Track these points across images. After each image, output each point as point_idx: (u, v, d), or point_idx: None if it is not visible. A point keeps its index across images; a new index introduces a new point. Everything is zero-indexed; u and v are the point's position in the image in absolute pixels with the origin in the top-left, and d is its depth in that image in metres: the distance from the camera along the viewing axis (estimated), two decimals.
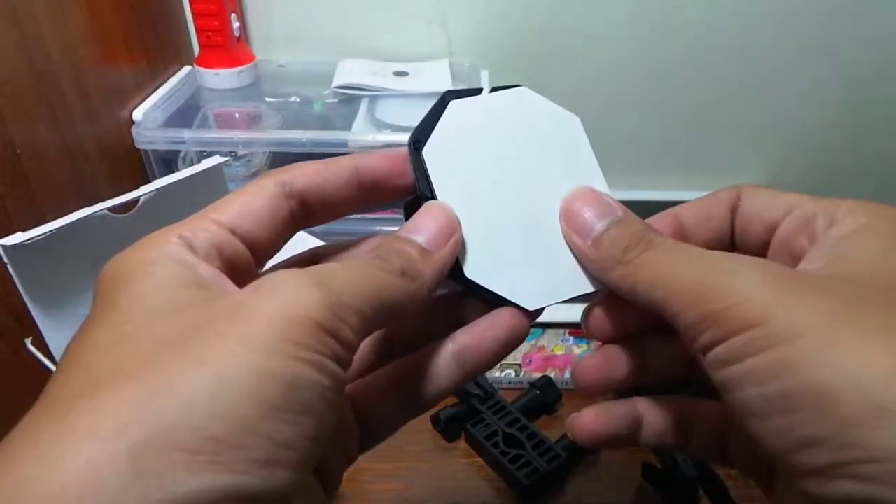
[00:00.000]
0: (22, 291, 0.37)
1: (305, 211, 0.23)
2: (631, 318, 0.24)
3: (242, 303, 0.17)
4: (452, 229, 0.22)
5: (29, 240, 0.35)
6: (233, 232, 0.21)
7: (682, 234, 0.25)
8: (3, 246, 0.35)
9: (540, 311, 0.24)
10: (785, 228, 0.23)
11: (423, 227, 0.22)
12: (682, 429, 0.26)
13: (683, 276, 0.20)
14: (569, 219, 0.23)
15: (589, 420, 0.25)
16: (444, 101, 0.25)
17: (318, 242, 0.49)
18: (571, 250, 0.24)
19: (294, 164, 0.23)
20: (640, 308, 0.21)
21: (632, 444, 0.26)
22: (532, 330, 0.60)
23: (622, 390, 0.26)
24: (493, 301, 0.23)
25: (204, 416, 0.14)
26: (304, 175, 0.22)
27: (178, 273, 0.18)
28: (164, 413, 0.14)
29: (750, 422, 0.18)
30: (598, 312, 0.25)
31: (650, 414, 0.26)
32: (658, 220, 0.25)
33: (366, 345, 0.25)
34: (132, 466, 0.14)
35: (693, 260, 0.20)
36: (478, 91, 0.25)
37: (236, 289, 0.19)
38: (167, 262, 0.19)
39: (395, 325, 0.22)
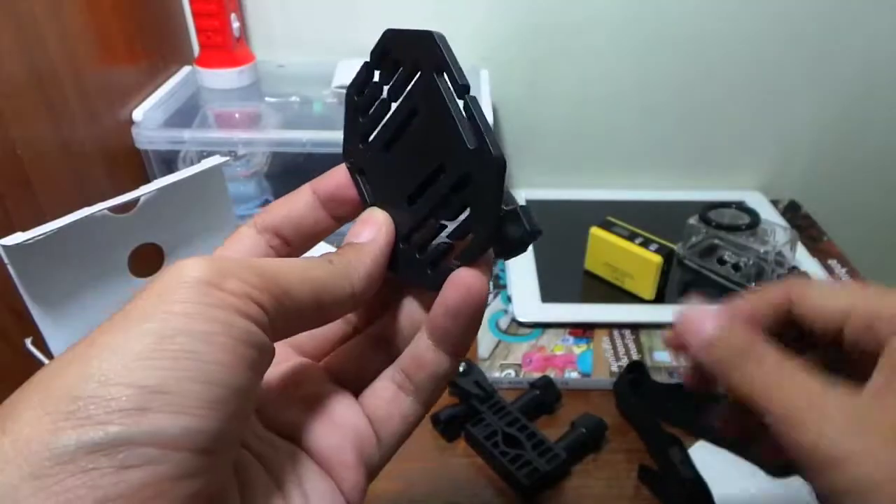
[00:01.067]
0: (22, 291, 0.37)
1: (285, 242, 0.25)
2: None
3: (142, 288, 0.18)
4: (377, 223, 0.24)
5: (29, 240, 0.35)
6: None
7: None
8: (3, 246, 0.35)
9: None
10: (851, 334, 0.25)
11: (356, 232, 0.24)
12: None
13: (779, 400, 0.23)
14: (681, 325, 0.27)
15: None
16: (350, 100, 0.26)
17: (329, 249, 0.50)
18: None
19: (265, 206, 0.26)
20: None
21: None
22: (532, 330, 0.60)
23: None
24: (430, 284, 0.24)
25: (74, 382, 0.15)
26: (271, 212, 0.25)
27: None
28: (41, 389, 0.16)
29: None
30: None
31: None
32: (737, 310, 0.28)
33: (359, 351, 0.26)
34: (4, 438, 0.15)
35: (788, 386, 0.23)
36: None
37: None
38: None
39: (337, 314, 0.23)
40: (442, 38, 0.22)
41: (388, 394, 0.24)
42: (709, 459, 0.47)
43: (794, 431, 0.22)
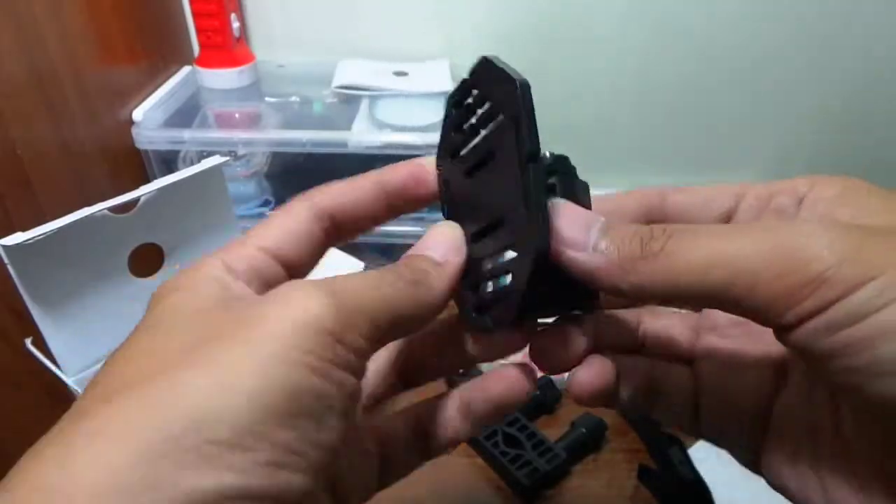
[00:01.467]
0: (22, 291, 0.37)
1: (336, 228, 0.24)
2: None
3: (254, 310, 0.18)
4: (460, 244, 0.23)
5: (29, 240, 0.35)
6: (271, 255, 0.22)
7: None
8: (3, 246, 0.35)
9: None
10: (744, 213, 0.23)
11: (433, 244, 0.23)
12: (651, 390, 0.25)
13: (749, 249, 0.18)
14: (556, 239, 0.20)
15: (586, 377, 0.23)
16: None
17: (346, 257, 0.49)
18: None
19: (323, 186, 0.24)
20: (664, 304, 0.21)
21: (611, 401, 0.24)
22: None
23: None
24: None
25: (209, 420, 0.15)
26: (331, 195, 0.24)
27: (212, 289, 0.20)
28: (170, 417, 0.15)
29: (881, 382, 0.17)
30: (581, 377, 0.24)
31: (626, 371, 0.25)
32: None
33: (383, 371, 0.26)
34: (143, 468, 0.14)
35: (744, 233, 0.18)
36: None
37: (252, 301, 0.20)
38: (205, 280, 0.20)
39: (409, 336, 0.23)
40: (525, 87, 0.20)
41: (401, 434, 0.25)
42: (709, 459, 0.47)
43: (789, 273, 0.17)
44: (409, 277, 0.21)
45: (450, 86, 0.70)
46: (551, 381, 0.54)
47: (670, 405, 0.25)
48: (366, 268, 0.47)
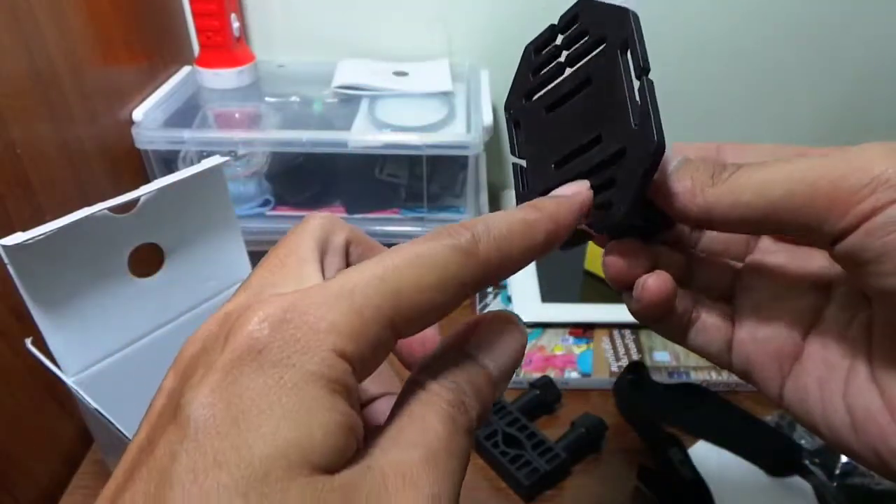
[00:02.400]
0: (22, 291, 0.37)
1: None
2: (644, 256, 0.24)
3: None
4: (522, 355, 0.20)
5: (29, 240, 0.35)
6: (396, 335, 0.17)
7: None
8: (3, 246, 0.35)
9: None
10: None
11: (498, 352, 0.19)
12: (689, 320, 0.25)
13: (807, 165, 0.19)
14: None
15: (656, 282, 0.24)
16: None
17: None
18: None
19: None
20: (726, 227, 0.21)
21: (669, 314, 0.25)
22: (532, 330, 0.60)
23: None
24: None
25: None
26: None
27: (329, 435, 0.15)
28: None
29: None
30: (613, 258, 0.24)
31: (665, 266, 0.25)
32: None
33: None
34: None
35: (805, 160, 0.20)
36: None
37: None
38: (317, 402, 0.15)
39: None
40: (636, 17, 0.22)
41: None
42: (709, 459, 0.48)
43: (844, 178, 0.18)
44: (473, 415, 0.18)
45: (450, 86, 0.70)
46: (551, 380, 0.54)
47: (706, 335, 0.25)
48: None
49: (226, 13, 0.69)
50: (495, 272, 0.18)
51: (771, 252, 0.25)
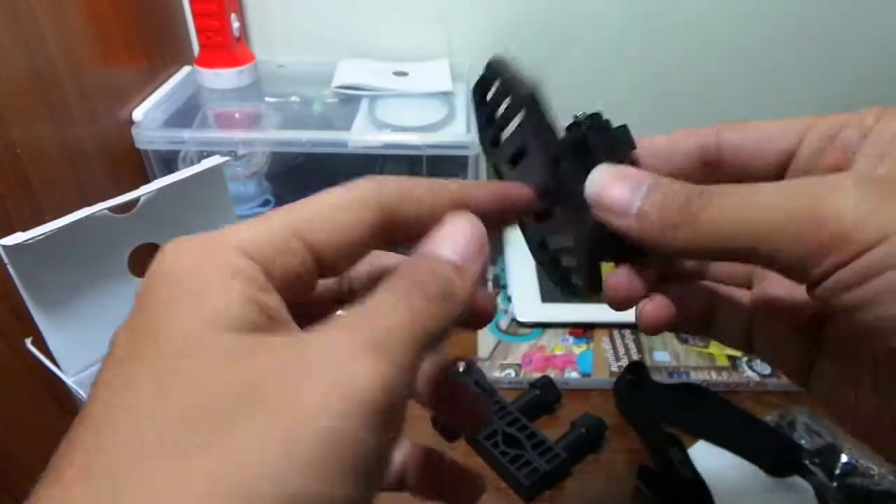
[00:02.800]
0: (22, 291, 0.37)
1: (393, 231, 0.21)
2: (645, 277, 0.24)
3: (294, 375, 0.15)
4: (481, 243, 0.21)
5: (29, 240, 0.35)
6: (304, 243, 0.19)
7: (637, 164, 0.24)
8: (3, 246, 0.35)
9: None
10: (807, 151, 0.22)
11: (452, 243, 0.20)
12: (709, 313, 0.26)
13: (774, 211, 0.19)
14: (599, 208, 0.22)
15: (651, 310, 0.24)
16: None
17: None
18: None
19: (395, 178, 0.21)
20: (703, 259, 0.22)
21: (674, 328, 0.25)
22: (532, 330, 0.60)
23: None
24: None
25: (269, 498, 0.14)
26: (399, 188, 0.21)
27: (234, 302, 0.16)
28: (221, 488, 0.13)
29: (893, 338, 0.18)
30: (617, 279, 0.25)
31: (687, 298, 0.26)
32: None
33: None
34: None
35: (773, 194, 0.19)
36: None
37: (291, 334, 0.17)
38: (222, 280, 0.17)
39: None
40: (533, 101, 0.22)
41: None
42: (709, 459, 0.47)
43: (813, 232, 0.18)
44: (436, 292, 0.18)
45: (450, 86, 0.70)
46: (551, 380, 0.54)
47: (726, 327, 0.26)
48: None
49: (226, 13, 0.69)
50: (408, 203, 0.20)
51: None
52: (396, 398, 0.16)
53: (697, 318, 0.25)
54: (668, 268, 0.25)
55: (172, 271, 0.17)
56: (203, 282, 0.17)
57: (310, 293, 0.20)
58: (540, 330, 0.61)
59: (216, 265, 0.17)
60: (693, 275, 0.26)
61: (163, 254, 0.18)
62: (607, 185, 0.22)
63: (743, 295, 0.26)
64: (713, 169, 0.24)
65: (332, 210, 0.20)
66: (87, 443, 0.15)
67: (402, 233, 0.21)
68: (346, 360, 0.15)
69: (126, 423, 0.15)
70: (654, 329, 0.24)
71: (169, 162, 0.65)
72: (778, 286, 0.25)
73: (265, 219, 0.19)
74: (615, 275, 0.24)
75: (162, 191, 0.41)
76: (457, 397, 0.26)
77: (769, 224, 0.19)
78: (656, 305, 0.24)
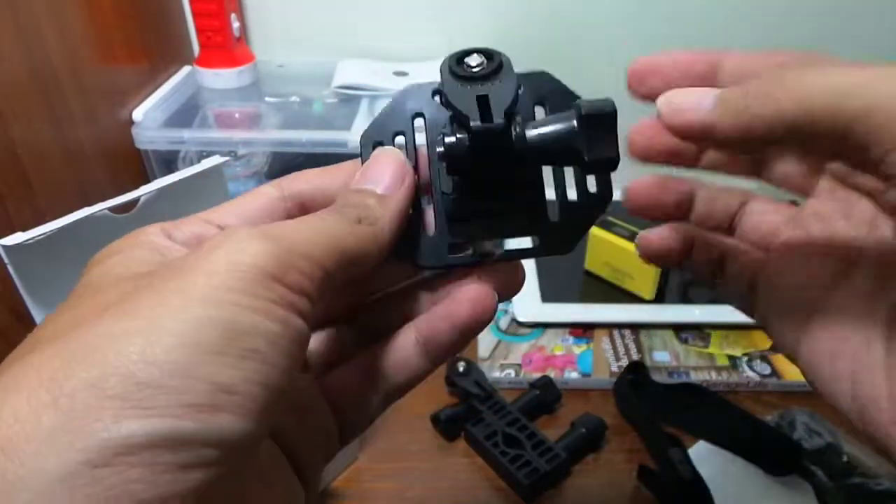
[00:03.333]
0: (22, 291, 0.37)
1: (304, 213, 0.22)
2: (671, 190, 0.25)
3: (184, 260, 0.17)
4: (404, 172, 0.22)
5: (29, 240, 0.35)
6: (221, 229, 0.21)
7: (712, 82, 0.23)
8: (3, 246, 0.35)
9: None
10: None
11: (375, 174, 0.22)
12: (720, 266, 0.26)
13: (888, 78, 0.17)
14: (668, 108, 0.22)
15: (643, 185, 0.24)
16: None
17: None
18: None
19: (299, 172, 0.23)
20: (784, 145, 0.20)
21: (677, 265, 0.26)
22: (532, 330, 0.60)
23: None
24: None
25: (134, 362, 0.14)
26: (303, 180, 0.23)
27: (147, 253, 0.19)
28: (92, 363, 0.14)
29: None
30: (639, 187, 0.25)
31: (705, 244, 0.25)
32: (693, 56, 0.24)
33: (332, 334, 0.25)
34: (58, 415, 0.13)
35: (881, 68, 0.17)
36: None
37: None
38: (141, 244, 0.20)
39: (360, 277, 0.21)
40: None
41: (355, 387, 0.23)
42: (709, 459, 0.47)
43: None
44: (353, 215, 0.20)
45: None
46: (551, 380, 0.54)
47: (732, 282, 0.25)
48: None
49: (226, 13, 0.69)
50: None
51: (808, 213, 0.25)
52: (285, 277, 0.17)
53: (708, 265, 0.25)
54: (699, 210, 0.25)
55: (99, 254, 0.20)
56: (122, 248, 0.20)
57: None
58: (540, 330, 0.61)
59: (135, 240, 0.20)
60: (719, 224, 0.26)
61: (98, 254, 0.20)
62: (675, 94, 0.22)
63: (755, 255, 0.26)
64: None
65: (242, 205, 0.22)
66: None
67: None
68: (233, 242, 0.17)
69: (31, 335, 0.17)
70: (655, 254, 0.24)
71: (169, 162, 0.65)
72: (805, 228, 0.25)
73: (188, 218, 0.22)
74: (640, 180, 0.24)
75: (162, 191, 0.41)
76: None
77: (879, 91, 0.17)
78: (665, 230, 0.24)
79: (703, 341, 0.59)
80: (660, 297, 0.63)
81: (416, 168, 0.23)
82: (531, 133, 0.21)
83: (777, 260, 0.25)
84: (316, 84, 0.71)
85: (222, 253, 0.16)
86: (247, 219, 0.22)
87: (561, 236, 0.23)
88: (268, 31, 0.77)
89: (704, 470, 0.46)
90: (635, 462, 0.48)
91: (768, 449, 0.48)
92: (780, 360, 0.57)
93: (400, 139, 0.24)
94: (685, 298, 0.65)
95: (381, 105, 0.67)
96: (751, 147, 0.21)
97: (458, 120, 0.21)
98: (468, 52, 0.22)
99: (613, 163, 0.21)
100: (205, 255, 0.16)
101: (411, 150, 0.24)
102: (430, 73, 0.73)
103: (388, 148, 0.23)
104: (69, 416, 0.13)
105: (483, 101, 0.20)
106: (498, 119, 0.20)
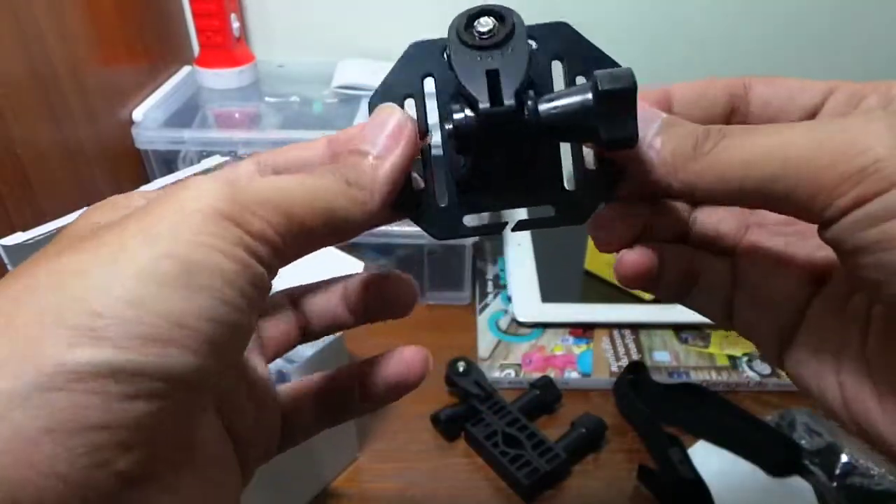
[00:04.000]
0: None
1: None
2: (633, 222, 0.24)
3: (147, 204, 0.17)
4: (401, 133, 0.21)
5: (29, 240, 0.35)
6: None
7: (668, 111, 0.23)
8: (3, 246, 0.35)
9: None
10: (830, 111, 0.22)
11: (371, 134, 0.21)
12: (689, 278, 0.25)
13: (802, 140, 0.18)
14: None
15: (632, 258, 0.23)
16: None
17: (345, 256, 0.49)
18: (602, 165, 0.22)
19: (274, 149, 0.24)
20: (704, 202, 0.21)
21: (652, 286, 0.25)
22: (532, 330, 0.60)
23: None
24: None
25: (90, 292, 0.15)
26: (282, 154, 0.23)
27: (125, 208, 0.19)
28: (48, 294, 0.15)
29: None
30: (606, 217, 0.24)
31: (669, 257, 0.25)
32: (648, 93, 0.23)
33: (286, 323, 0.26)
34: (10, 342, 0.14)
35: (802, 127, 0.18)
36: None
37: None
38: (128, 197, 0.20)
39: (347, 238, 0.21)
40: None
41: (303, 407, 0.26)
42: (709, 459, 0.47)
43: (836, 165, 0.17)
44: (343, 176, 0.20)
45: None
46: (551, 380, 0.54)
47: (706, 296, 0.25)
48: (365, 268, 0.47)
49: (226, 13, 0.69)
50: None
51: (770, 226, 0.25)
52: (242, 219, 0.17)
53: (678, 281, 0.25)
54: (653, 221, 0.24)
55: (84, 214, 0.20)
56: (103, 203, 0.20)
57: None
58: (540, 330, 0.61)
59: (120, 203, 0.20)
60: (675, 238, 0.25)
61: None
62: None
63: (726, 263, 0.25)
64: (740, 121, 0.23)
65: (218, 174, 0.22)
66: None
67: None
68: (195, 187, 0.17)
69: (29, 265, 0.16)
70: (633, 279, 0.23)
71: (169, 162, 0.65)
72: (768, 244, 0.24)
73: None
74: (606, 211, 0.23)
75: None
76: (383, 288, 0.26)
77: (793, 157, 0.18)
78: (639, 254, 0.23)
79: (703, 341, 0.59)
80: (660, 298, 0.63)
81: (424, 133, 0.22)
82: (544, 108, 0.20)
83: (750, 272, 0.24)
84: (316, 84, 0.71)
85: (183, 196, 0.17)
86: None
87: (577, 206, 0.22)
88: (268, 31, 0.77)
89: (704, 470, 0.46)
90: (635, 462, 0.48)
91: (768, 449, 0.48)
92: None
93: (409, 102, 0.22)
94: None
95: None
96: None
97: (465, 98, 0.20)
98: (479, 13, 0.21)
99: (632, 141, 0.20)
100: (167, 199, 0.17)
101: (421, 115, 0.22)
102: None
103: (387, 105, 0.22)
104: (21, 343, 0.14)
105: (493, 78, 0.19)
106: (508, 101, 0.19)
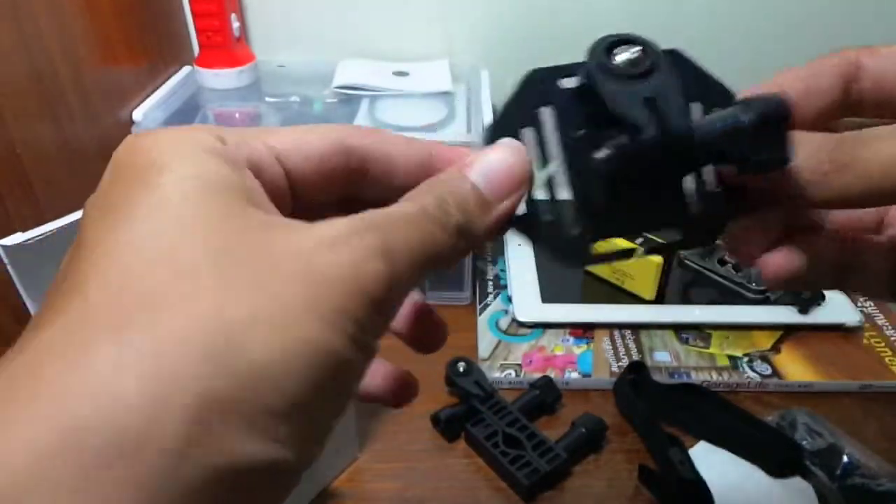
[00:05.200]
0: (22, 291, 0.37)
1: (362, 173, 0.20)
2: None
3: (306, 256, 0.15)
4: (522, 177, 0.20)
5: (29, 240, 0.35)
6: (278, 158, 0.19)
7: None
8: (3, 246, 0.35)
9: None
10: None
11: (488, 168, 0.19)
12: (840, 266, 0.24)
13: None
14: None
15: (776, 261, 0.22)
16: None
17: None
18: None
19: (365, 127, 0.21)
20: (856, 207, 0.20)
21: (801, 284, 0.24)
22: (532, 330, 0.60)
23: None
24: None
25: (268, 388, 0.14)
26: (370, 136, 0.20)
27: (219, 171, 0.16)
28: (229, 373, 0.14)
29: None
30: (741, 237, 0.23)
31: (820, 250, 0.24)
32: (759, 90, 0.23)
33: None
34: (194, 425, 0.13)
35: None
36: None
37: (283, 219, 0.17)
38: (202, 160, 0.16)
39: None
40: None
41: None
42: (709, 459, 0.47)
43: None
44: (454, 223, 0.18)
45: (450, 86, 0.70)
46: (551, 381, 0.54)
47: (871, 271, 0.24)
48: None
49: (226, 13, 0.69)
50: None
51: None
52: (395, 301, 0.17)
53: (833, 269, 0.23)
54: (791, 223, 0.23)
55: (143, 148, 0.17)
56: (187, 162, 0.16)
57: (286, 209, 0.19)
58: (540, 330, 0.61)
59: (193, 140, 0.17)
60: (814, 229, 0.24)
61: (127, 140, 0.17)
62: None
63: (882, 238, 0.24)
64: (855, 101, 0.22)
65: (306, 135, 0.19)
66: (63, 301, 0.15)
67: (372, 179, 0.20)
68: (357, 255, 0.16)
69: (109, 282, 0.15)
70: (780, 281, 0.22)
71: None
72: None
73: (240, 131, 0.18)
74: (741, 224, 0.22)
75: None
76: (425, 320, 0.26)
77: None
78: (783, 255, 0.22)
79: (703, 341, 0.59)
80: (660, 298, 0.63)
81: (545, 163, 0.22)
82: (701, 134, 0.20)
83: None
84: (316, 84, 0.71)
85: (346, 270, 0.15)
86: (305, 157, 0.19)
87: (704, 228, 0.22)
88: (268, 31, 0.77)
89: (705, 470, 0.46)
90: (635, 462, 0.48)
91: (769, 449, 0.48)
92: (781, 361, 0.57)
93: (528, 132, 0.22)
94: (685, 298, 0.65)
95: (382, 105, 0.68)
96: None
97: (625, 128, 0.20)
98: (617, 42, 0.20)
99: (786, 163, 0.20)
100: (329, 260, 0.15)
101: (533, 144, 0.22)
102: (430, 73, 0.73)
103: (512, 141, 0.20)
104: (204, 428, 0.13)
105: (652, 105, 0.19)
106: (683, 126, 0.19)
